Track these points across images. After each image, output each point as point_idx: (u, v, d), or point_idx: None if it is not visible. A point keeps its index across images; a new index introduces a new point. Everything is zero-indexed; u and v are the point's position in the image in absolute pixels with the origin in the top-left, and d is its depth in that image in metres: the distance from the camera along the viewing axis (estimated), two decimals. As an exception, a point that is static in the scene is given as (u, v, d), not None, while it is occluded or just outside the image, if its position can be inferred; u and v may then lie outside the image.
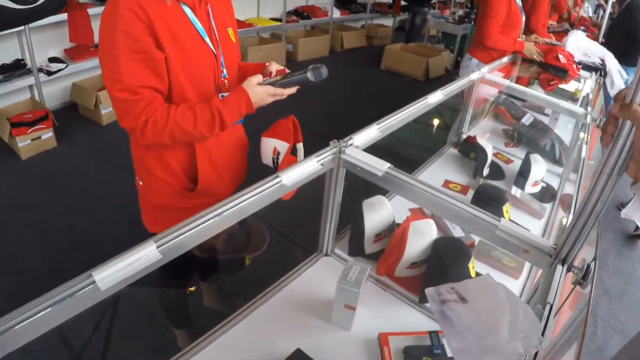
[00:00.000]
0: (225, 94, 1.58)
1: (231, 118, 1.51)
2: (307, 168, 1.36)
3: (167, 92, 1.49)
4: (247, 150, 1.89)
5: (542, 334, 0.97)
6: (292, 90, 1.59)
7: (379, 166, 1.39)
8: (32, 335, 0.85)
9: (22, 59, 4.53)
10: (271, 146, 1.74)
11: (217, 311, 2.25)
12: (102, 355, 2.25)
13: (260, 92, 1.53)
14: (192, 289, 2.25)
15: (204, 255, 1.79)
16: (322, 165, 1.40)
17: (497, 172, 2.53)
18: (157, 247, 1.00)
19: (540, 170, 2.35)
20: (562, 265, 1.15)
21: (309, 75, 1.52)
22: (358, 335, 1.41)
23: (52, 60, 4.73)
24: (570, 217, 1.91)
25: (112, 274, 0.93)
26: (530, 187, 2.36)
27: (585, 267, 1.13)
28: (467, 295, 1.10)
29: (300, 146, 1.70)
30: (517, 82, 3.67)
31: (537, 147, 2.80)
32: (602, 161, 0.97)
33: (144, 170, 1.66)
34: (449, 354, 1.33)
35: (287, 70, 1.63)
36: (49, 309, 0.85)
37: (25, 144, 4.11)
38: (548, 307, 1.04)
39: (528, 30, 5.04)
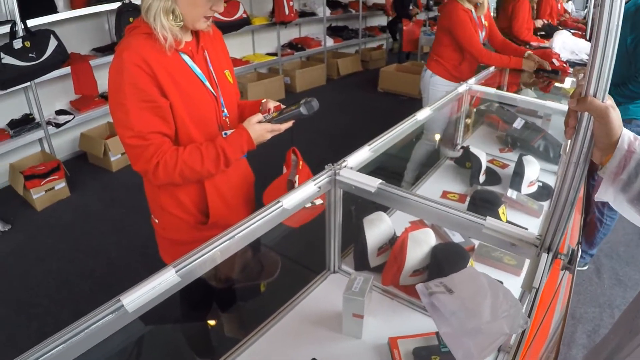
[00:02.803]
0: (228, 132, 1.71)
1: (234, 155, 1.64)
2: (305, 192, 1.47)
3: (174, 135, 1.62)
4: (253, 183, 2.01)
5: (529, 315, 1.06)
6: (289, 124, 1.71)
7: (372, 183, 1.50)
8: (72, 356, 0.97)
9: (31, 114, 4.71)
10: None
11: (238, 339, 2.35)
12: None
13: (259, 129, 1.65)
14: (213, 322, 2.35)
15: (222, 286, 1.90)
16: (319, 188, 1.52)
17: (493, 177, 2.62)
18: (176, 272, 1.11)
19: (534, 170, 2.44)
20: (547, 253, 1.23)
21: (302, 109, 1.65)
22: (369, 342, 1.50)
23: (59, 112, 4.92)
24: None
25: (137, 297, 1.06)
26: (527, 188, 2.44)
27: (570, 252, 1.23)
28: (453, 286, 1.20)
29: (295, 177, 1.83)
30: (507, 88, 3.78)
31: (531, 149, 2.89)
32: (569, 152, 1.07)
33: (159, 208, 1.79)
34: (456, 351, 1.42)
35: (282, 106, 1.76)
36: (85, 331, 0.98)
37: (39, 195, 4.26)
38: (534, 291, 1.13)
39: (513, 36, 5.15)
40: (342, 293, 1.46)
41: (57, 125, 4.76)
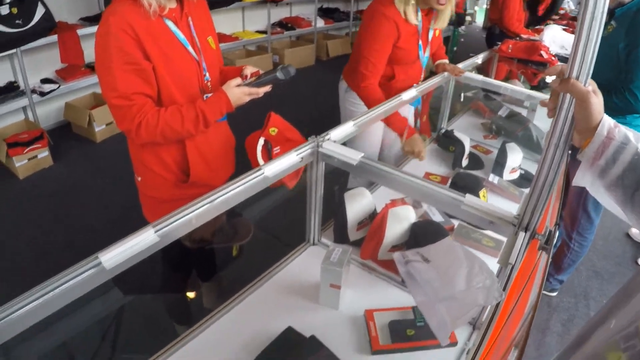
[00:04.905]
0: (210, 95, 1.76)
1: (213, 116, 1.70)
2: (287, 161, 1.48)
3: (157, 97, 1.67)
4: (234, 145, 2.08)
5: (504, 289, 1.08)
6: (267, 88, 1.77)
7: (354, 156, 1.51)
8: (48, 311, 0.97)
9: (15, 81, 4.63)
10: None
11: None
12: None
13: (237, 92, 1.71)
14: (192, 295, 2.37)
15: (196, 246, 1.97)
16: (301, 158, 1.53)
17: (476, 162, 2.64)
18: (155, 232, 1.12)
19: (517, 157, 2.47)
20: (525, 232, 1.25)
21: (278, 74, 1.72)
22: (345, 313, 1.52)
23: (45, 81, 4.83)
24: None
25: (116, 255, 1.06)
26: (508, 174, 2.47)
27: (547, 232, 1.25)
28: (430, 256, 1.22)
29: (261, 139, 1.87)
30: (495, 77, 3.78)
31: (515, 138, 2.91)
32: (549, 134, 1.09)
33: (142, 166, 1.84)
34: (431, 326, 1.44)
35: (261, 72, 1.82)
36: (62, 287, 0.98)
37: (22, 163, 4.21)
38: (510, 267, 1.15)
39: (503, 27, 5.16)
40: (318, 266, 1.47)
41: (42, 94, 4.68)
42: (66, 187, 4.17)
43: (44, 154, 4.35)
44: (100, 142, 4.88)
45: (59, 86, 4.81)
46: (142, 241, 1.11)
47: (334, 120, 1.75)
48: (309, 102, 5.81)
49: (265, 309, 1.52)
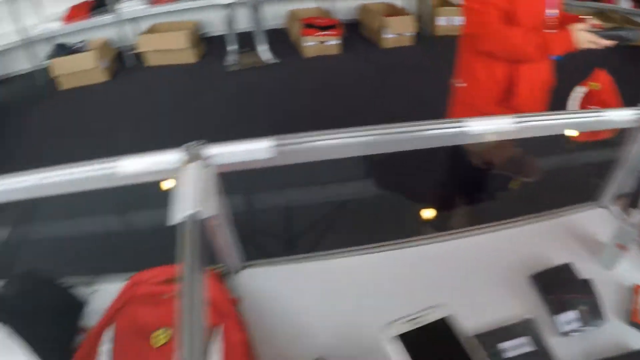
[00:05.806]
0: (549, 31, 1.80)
1: (555, 49, 1.74)
2: (620, 115, 1.40)
3: (506, 16, 1.74)
4: (552, 86, 2.08)
5: None
6: (608, 42, 1.73)
7: None
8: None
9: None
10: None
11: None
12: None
13: (582, 35, 1.72)
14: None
15: (483, 166, 2.06)
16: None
17: None
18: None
19: None
20: None
21: (623, 33, 1.71)
22: (614, 277, 1.49)
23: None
24: None
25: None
26: None
27: None
28: None
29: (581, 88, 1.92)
30: None
31: None
32: None
33: (470, 73, 1.96)
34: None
35: (604, 26, 1.78)
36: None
37: (310, 44, 4.62)
38: None
39: None
40: (604, 229, 1.52)
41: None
42: (348, 77, 4.42)
43: (333, 41, 4.69)
44: (385, 49, 5.00)
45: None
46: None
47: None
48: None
49: (543, 241, 1.57)
